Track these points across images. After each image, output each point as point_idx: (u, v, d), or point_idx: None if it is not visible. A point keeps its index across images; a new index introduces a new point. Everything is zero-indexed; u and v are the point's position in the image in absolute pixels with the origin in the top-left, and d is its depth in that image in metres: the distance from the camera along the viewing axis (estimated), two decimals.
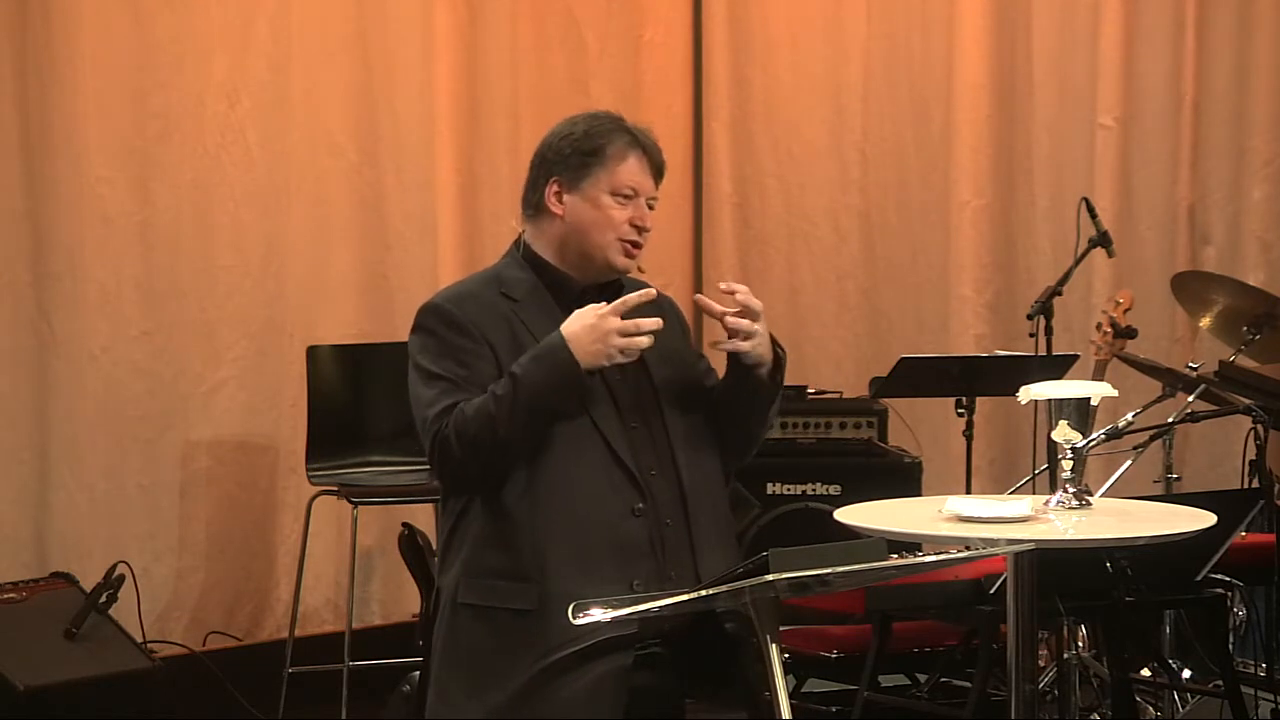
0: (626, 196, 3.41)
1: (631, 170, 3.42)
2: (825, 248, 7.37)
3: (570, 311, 3.39)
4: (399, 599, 6.58)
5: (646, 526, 3.34)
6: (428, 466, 3.42)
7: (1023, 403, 3.84)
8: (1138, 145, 6.78)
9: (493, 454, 3.29)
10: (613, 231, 3.40)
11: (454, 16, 6.80)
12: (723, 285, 3.40)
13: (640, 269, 3.52)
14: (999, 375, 5.75)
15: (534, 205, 3.47)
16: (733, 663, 3.40)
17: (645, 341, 3.31)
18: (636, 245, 3.43)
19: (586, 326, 3.29)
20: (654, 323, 3.33)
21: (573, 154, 3.42)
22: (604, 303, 3.32)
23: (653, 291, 3.39)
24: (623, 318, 3.30)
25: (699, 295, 3.50)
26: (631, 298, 3.34)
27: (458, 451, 3.29)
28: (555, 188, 3.43)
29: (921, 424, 6.67)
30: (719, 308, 3.42)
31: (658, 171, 3.47)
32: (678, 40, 7.52)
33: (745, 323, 3.40)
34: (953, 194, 7.05)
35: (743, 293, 3.39)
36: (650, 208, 3.46)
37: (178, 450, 6.13)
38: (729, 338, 3.41)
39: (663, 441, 3.41)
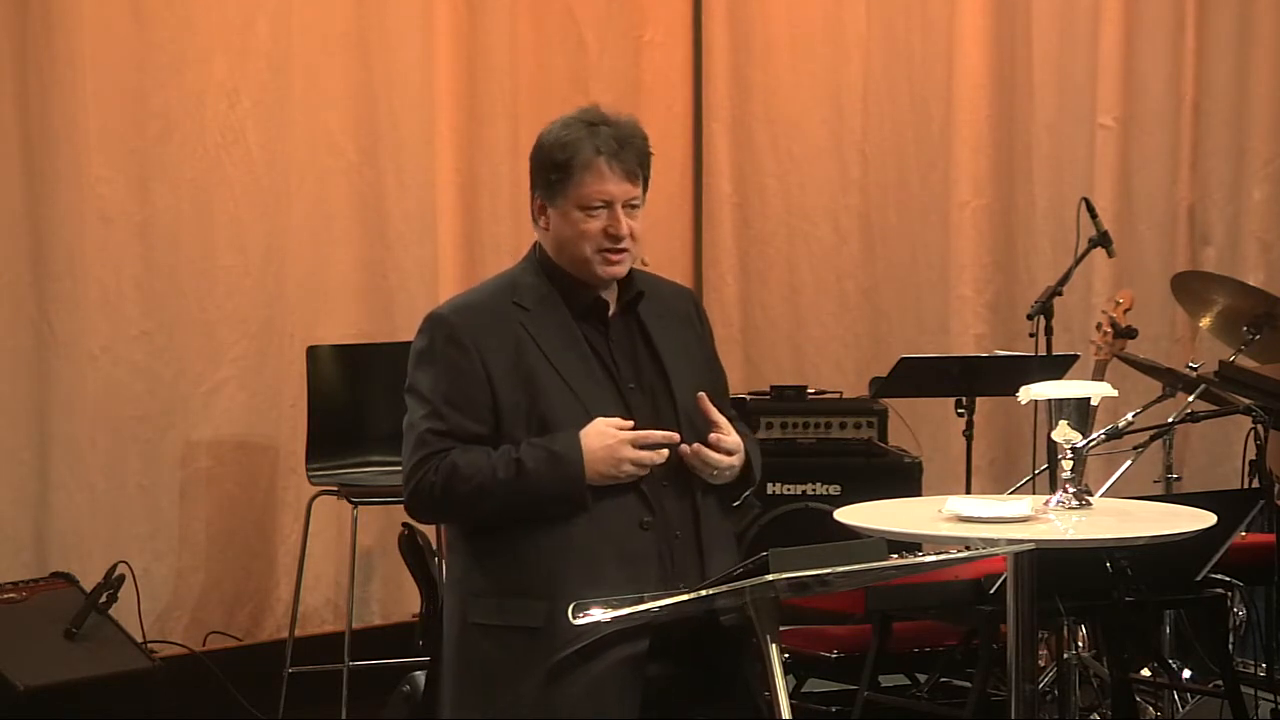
0: (596, 208, 3.36)
1: (596, 182, 3.34)
2: (825, 248, 7.37)
3: (584, 319, 3.39)
4: (399, 599, 6.58)
5: (654, 540, 3.33)
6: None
7: (1023, 403, 3.84)
8: (1138, 145, 6.78)
9: (474, 516, 3.32)
10: (588, 245, 3.36)
11: (454, 16, 6.80)
12: (712, 437, 3.38)
13: (645, 262, 3.50)
14: (999, 375, 5.75)
15: (532, 216, 3.46)
16: (736, 662, 3.40)
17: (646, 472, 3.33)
18: (615, 253, 3.37)
19: (605, 447, 3.28)
20: (663, 456, 3.33)
21: (545, 168, 3.39)
22: (626, 425, 3.30)
23: (675, 436, 3.34)
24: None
25: (701, 395, 3.44)
26: (655, 435, 3.32)
27: (438, 501, 3.30)
28: (539, 203, 3.42)
29: (921, 424, 6.67)
30: (714, 416, 3.40)
31: (632, 173, 3.37)
32: (678, 40, 7.52)
33: (721, 460, 3.38)
34: (953, 194, 7.06)
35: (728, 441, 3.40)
36: (634, 206, 3.39)
37: (178, 450, 6.13)
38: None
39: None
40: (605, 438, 3.29)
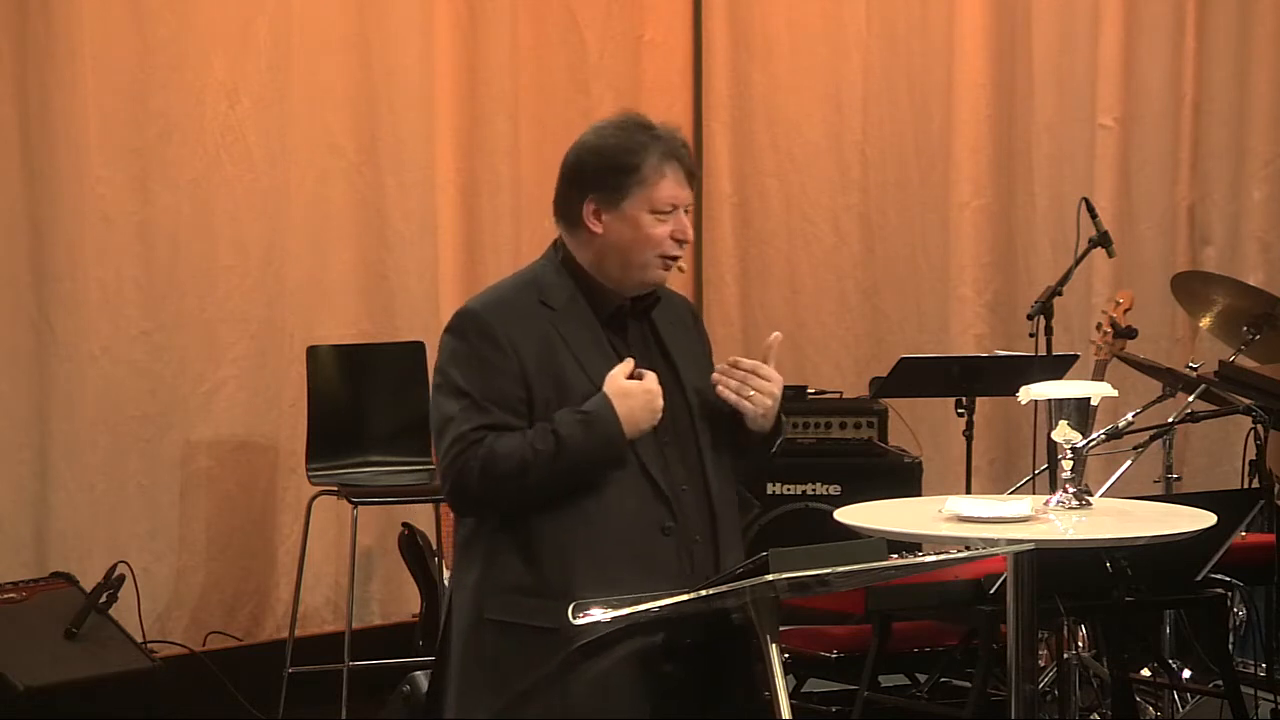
0: (666, 213, 3.36)
1: (670, 186, 3.36)
2: (825, 248, 7.37)
3: (609, 323, 3.39)
4: (399, 599, 6.58)
5: (674, 545, 3.33)
6: (435, 473, 3.38)
7: (1023, 403, 3.84)
8: (1138, 145, 6.78)
9: (516, 497, 3.29)
10: (653, 249, 3.36)
11: (454, 16, 6.80)
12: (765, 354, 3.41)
13: (681, 268, 3.50)
14: (999, 375, 5.75)
15: (569, 219, 3.42)
16: (746, 659, 3.40)
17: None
18: (674, 258, 3.40)
19: (638, 401, 3.29)
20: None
21: (609, 172, 3.35)
22: (628, 369, 3.31)
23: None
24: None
25: (777, 334, 3.48)
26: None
27: (478, 486, 3.27)
28: (593, 207, 3.37)
29: (921, 424, 6.68)
30: (768, 354, 3.43)
31: (692, 177, 3.41)
32: (678, 40, 7.52)
33: (765, 391, 3.40)
34: (953, 194, 7.05)
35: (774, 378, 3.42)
36: (686, 213, 3.42)
37: (178, 450, 6.13)
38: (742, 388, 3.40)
39: (694, 456, 3.39)
40: (632, 395, 3.29)
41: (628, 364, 3.32)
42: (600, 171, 3.36)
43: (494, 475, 3.26)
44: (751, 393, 3.38)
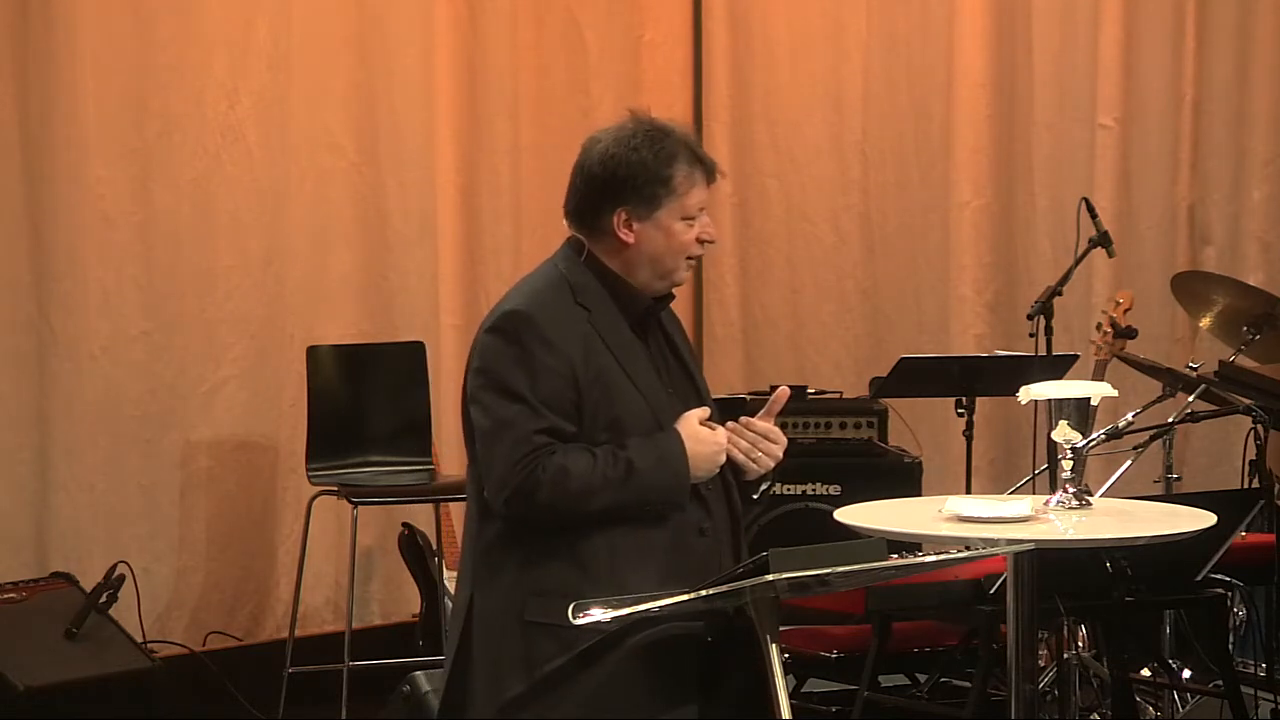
0: (694, 218, 3.40)
1: (699, 193, 3.40)
2: (825, 248, 7.37)
3: (636, 323, 3.40)
4: (399, 599, 6.58)
5: (709, 545, 3.36)
6: (491, 480, 3.34)
7: (1023, 403, 3.84)
8: (1138, 145, 6.78)
9: (575, 514, 3.29)
10: (684, 253, 3.40)
11: (454, 16, 6.80)
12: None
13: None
14: (999, 375, 5.75)
15: (594, 226, 3.41)
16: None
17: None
18: (696, 258, 3.45)
19: (708, 450, 3.34)
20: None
21: (644, 185, 3.36)
22: (705, 415, 3.37)
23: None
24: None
25: (785, 389, 3.50)
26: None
27: (546, 498, 3.27)
28: (624, 216, 3.37)
29: (921, 424, 6.67)
30: (775, 409, 3.46)
31: (712, 176, 3.45)
32: (678, 40, 7.52)
33: (772, 454, 3.44)
34: (953, 194, 7.05)
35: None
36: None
37: (178, 450, 6.13)
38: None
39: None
40: (703, 442, 3.33)
41: (704, 411, 3.37)
42: (634, 183, 3.37)
43: (562, 491, 3.26)
44: (759, 455, 3.42)
